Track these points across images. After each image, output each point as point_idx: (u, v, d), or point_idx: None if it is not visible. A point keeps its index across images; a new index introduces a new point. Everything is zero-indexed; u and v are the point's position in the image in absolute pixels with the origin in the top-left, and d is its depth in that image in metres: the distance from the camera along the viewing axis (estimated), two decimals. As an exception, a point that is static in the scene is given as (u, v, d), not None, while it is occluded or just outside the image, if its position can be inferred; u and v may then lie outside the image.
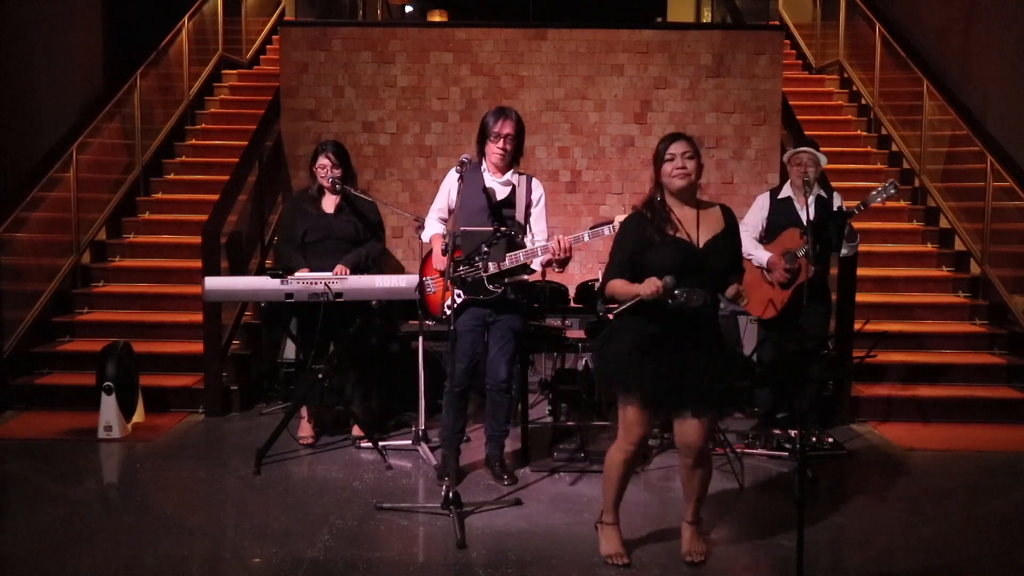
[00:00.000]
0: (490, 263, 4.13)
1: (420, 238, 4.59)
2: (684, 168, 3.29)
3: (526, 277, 4.50)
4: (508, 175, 4.36)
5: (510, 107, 4.41)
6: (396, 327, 5.66)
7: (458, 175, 4.19)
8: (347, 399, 5.12)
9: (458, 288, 4.21)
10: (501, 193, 4.34)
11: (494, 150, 4.28)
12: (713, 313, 3.37)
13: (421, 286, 4.48)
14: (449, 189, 4.45)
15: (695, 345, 3.29)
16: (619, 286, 3.33)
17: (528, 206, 4.39)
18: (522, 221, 4.37)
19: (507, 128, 4.26)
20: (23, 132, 6.49)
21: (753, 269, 4.87)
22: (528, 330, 4.64)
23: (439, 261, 4.34)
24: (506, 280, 4.20)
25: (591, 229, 4.08)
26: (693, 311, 3.22)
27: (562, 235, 4.07)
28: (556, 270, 4.22)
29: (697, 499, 3.52)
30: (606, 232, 3.95)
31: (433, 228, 4.50)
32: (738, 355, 3.52)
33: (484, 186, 4.31)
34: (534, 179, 4.47)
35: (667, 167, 3.32)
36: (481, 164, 4.35)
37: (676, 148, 3.31)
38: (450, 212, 4.50)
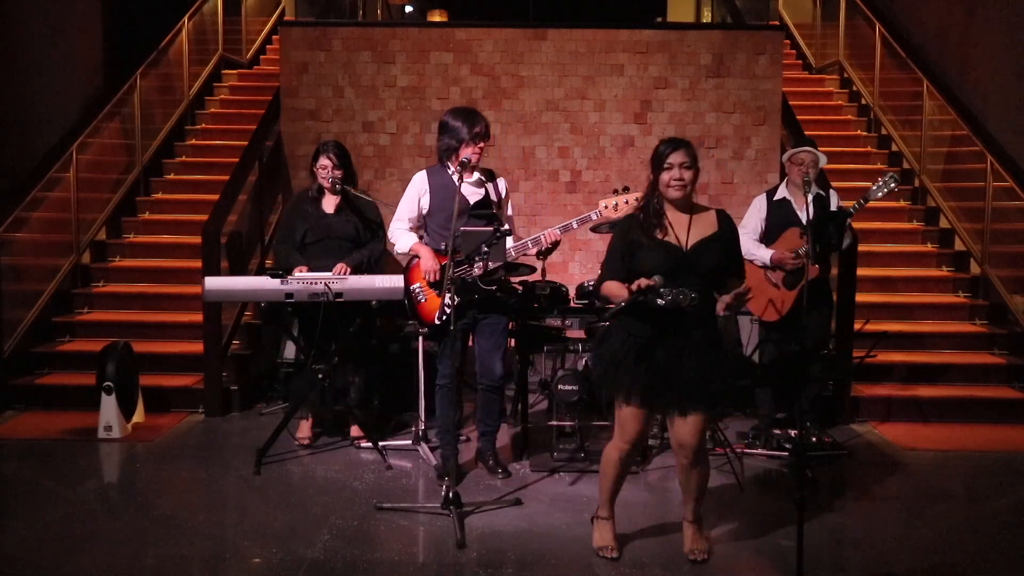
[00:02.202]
0: (478, 264, 4.16)
1: (396, 251, 4.55)
2: (681, 179, 3.33)
3: (527, 277, 4.53)
4: (476, 175, 4.40)
5: (471, 107, 4.48)
6: (396, 327, 5.65)
7: (458, 179, 4.20)
8: (348, 399, 5.12)
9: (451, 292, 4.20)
10: (477, 194, 4.37)
11: (474, 151, 4.29)
12: (707, 313, 3.36)
13: (409, 295, 4.44)
14: (419, 195, 4.44)
15: (687, 345, 3.31)
16: (612, 288, 3.39)
17: (500, 201, 4.46)
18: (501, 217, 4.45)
19: (485, 129, 4.33)
20: (23, 132, 6.50)
21: (755, 271, 4.86)
22: (512, 325, 4.72)
23: (432, 271, 4.29)
24: (497, 277, 4.27)
25: (579, 218, 4.25)
26: (683, 311, 3.24)
27: (550, 228, 4.25)
28: (540, 259, 4.46)
29: (695, 498, 3.53)
30: (592, 217, 4.21)
31: (407, 238, 4.45)
32: (734, 355, 3.52)
33: (459, 189, 4.29)
34: (495, 173, 4.56)
35: (664, 176, 3.35)
36: (448, 168, 4.36)
37: (675, 158, 3.33)
38: (420, 217, 4.49)
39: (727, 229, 3.43)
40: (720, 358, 3.39)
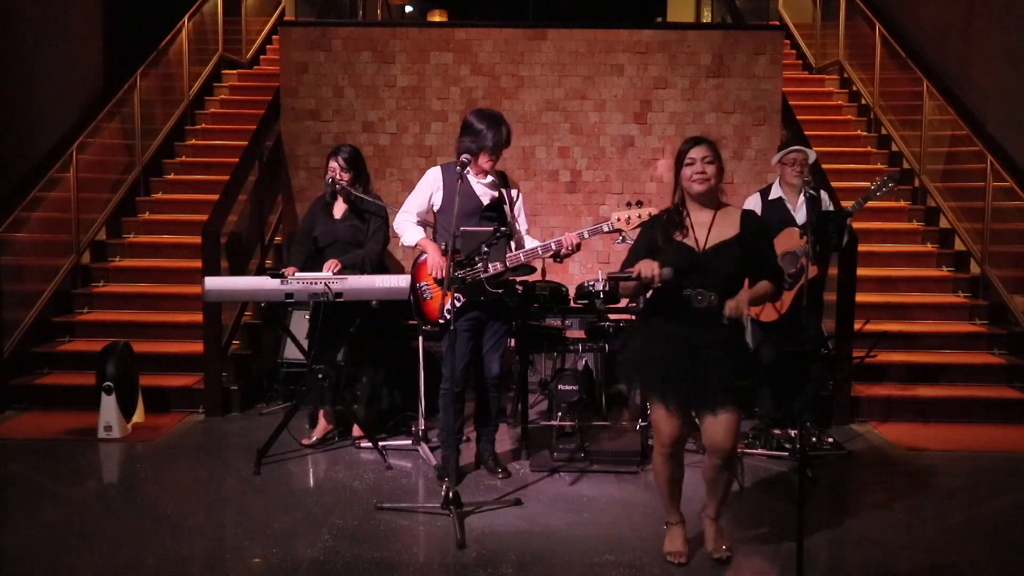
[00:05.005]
0: (490, 264, 4.17)
1: (401, 244, 4.54)
2: (704, 173, 3.33)
3: (527, 277, 4.51)
4: (490, 177, 4.41)
5: (498, 112, 4.45)
6: (398, 326, 5.65)
7: (458, 177, 4.19)
8: (353, 399, 5.12)
9: (457, 291, 4.22)
10: (490, 195, 4.37)
11: (490, 158, 4.30)
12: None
13: (415, 292, 4.46)
14: (432, 191, 4.44)
15: (711, 344, 3.29)
16: (627, 285, 3.39)
17: (511, 205, 4.46)
18: (510, 220, 4.44)
19: (508, 138, 4.33)
20: (23, 132, 6.50)
21: None
22: (515, 328, 4.72)
23: (438, 266, 4.28)
24: (505, 280, 4.25)
25: (590, 228, 4.20)
26: (705, 311, 3.26)
27: (568, 232, 4.21)
28: (557, 262, 4.37)
29: (720, 498, 3.53)
30: (604, 229, 4.11)
31: (414, 231, 4.45)
32: (752, 354, 3.49)
33: (473, 189, 4.33)
34: (508, 177, 4.57)
35: (687, 171, 3.36)
36: (465, 168, 4.36)
37: (696, 153, 3.34)
38: (430, 212, 4.50)
39: (750, 231, 3.38)
40: (745, 357, 3.39)
